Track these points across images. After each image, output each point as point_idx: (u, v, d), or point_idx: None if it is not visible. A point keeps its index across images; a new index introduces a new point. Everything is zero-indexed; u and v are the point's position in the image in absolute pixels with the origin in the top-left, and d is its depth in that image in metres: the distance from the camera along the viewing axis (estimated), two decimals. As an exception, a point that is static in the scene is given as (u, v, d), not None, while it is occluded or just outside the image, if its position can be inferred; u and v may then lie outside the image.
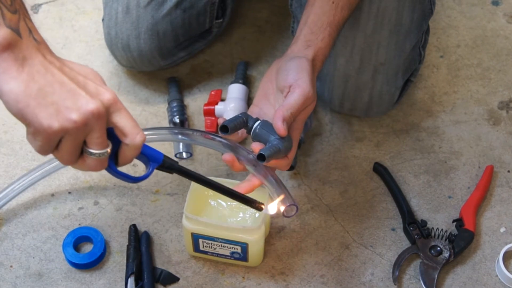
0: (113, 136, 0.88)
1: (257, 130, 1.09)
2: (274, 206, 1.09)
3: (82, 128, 0.84)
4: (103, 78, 0.90)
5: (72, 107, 0.83)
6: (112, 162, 0.91)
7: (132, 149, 0.89)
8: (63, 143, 0.85)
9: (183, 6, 1.39)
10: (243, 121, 1.09)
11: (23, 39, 0.83)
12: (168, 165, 0.96)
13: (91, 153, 0.87)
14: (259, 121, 1.09)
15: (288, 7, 1.39)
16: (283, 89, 1.10)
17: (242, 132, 1.12)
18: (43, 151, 0.86)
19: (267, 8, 1.61)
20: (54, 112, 0.83)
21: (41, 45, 0.85)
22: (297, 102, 1.07)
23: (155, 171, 1.29)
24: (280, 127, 1.05)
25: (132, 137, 0.88)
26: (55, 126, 0.83)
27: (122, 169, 0.93)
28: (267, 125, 1.09)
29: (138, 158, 0.94)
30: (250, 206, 1.06)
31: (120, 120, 0.88)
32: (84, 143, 0.87)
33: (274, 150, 1.06)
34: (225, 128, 1.08)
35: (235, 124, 1.08)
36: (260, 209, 1.07)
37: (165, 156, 0.96)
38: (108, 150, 0.88)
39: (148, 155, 0.95)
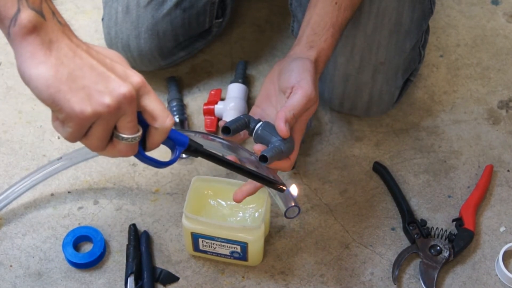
0: (141, 120, 0.87)
1: (259, 132, 1.08)
2: (295, 188, 1.10)
3: (114, 112, 0.81)
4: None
5: (104, 90, 0.81)
6: (141, 147, 0.89)
7: (161, 133, 0.87)
8: (94, 129, 0.82)
9: (183, 6, 1.39)
10: (245, 122, 1.09)
11: (48, 21, 0.81)
12: (193, 149, 0.95)
13: (122, 138, 0.85)
14: (261, 123, 1.09)
15: (287, 6, 1.39)
16: (286, 90, 1.09)
17: (244, 133, 1.11)
18: (72, 137, 0.83)
19: (266, 8, 1.61)
20: (86, 96, 0.80)
21: (65, 27, 0.83)
22: (299, 103, 1.06)
23: (156, 170, 1.29)
24: (283, 128, 1.05)
25: (162, 120, 0.86)
26: (88, 111, 0.80)
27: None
28: (269, 127, 1.08)
29: (164, 142, 0.92)
30: (273, 188, 1.06)
31: (150, 104, 0.85)
32: (115, 128, 0.84)
33: (276, 151, 1.05)
34: (227, 130, 1.07)
35: (237, 126, 1.08)
36: (282, 191, 1.07)
37: (190, 139, 0.95)
38: (139, 134, 0.86)
39: (174, 139, 0.93)
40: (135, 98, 0.83)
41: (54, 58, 0.80)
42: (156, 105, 0.86)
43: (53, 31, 0.81)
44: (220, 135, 1.11)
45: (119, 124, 0.84)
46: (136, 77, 0.84)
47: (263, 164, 1.05)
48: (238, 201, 1.09)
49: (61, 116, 0.81)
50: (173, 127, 0.94)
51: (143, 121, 0.87)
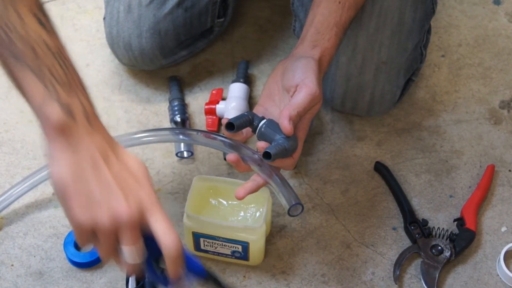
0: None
1: (262, 129, 1.08)
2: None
3: (110, 229, 0.83)
4: (148, 171, 0.87)
5: (106, 206, 0.82)
6: (151, 266, 0.88)
7: (169, 258, 0.85)
8: (98, 237, 0.84)
9: (185, 5, 1.39)
10: (248, 119, 1.08)
11: (77, 122, 0.84)
12: (211, 279, 0.94)
13: (123, 254, 0.85)
14: (265, 120, 1.08)
15: (289, 6, 1.39)
16: (290, 88, 1.10)
17: (246, 131, 1.11)
18: (80, 241, 0.86)
19: (268, 7, 1.60)
20: (87, 207, 0.82)
21: (93, 126, 0.85)
22: (303, 102, 1.06)
23: (159, 168, 1.29)
24: (287, 126, 1.04)
25: (165, 245, 0.84)
26: (84, 222, 0.82)
27: None
28: (273, 124, 1.08)
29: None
30: None
31: (155, 225, 0.84)
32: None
33: (280, 148, 1.05)
34: (230, 126, 1.07)
35: (240, 122, 1.08)
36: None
37: (206, 270, 0.92)
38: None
39: (190, 268, 0.90)
40: (132, 219, 0.83)
41: (70, 158, 0.83)
42: (160, 227, 0.84)
43: (80, 136, 0.84)
44: (223, 132, 1.10)
45: (120, 238, 0.84)
46: (145, 196, 0.84)
47: (266, 161, 1.05)
48: (240, 198, 1.09)
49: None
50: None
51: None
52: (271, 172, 1.08)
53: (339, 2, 1.13)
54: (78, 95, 0.85)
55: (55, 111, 0.82)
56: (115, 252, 0.86)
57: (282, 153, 1.06)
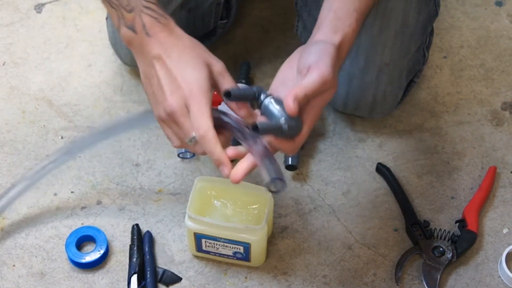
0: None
1: (266, 103, 1.01)
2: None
3: (168, 120, 1.02)
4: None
5: (160, 102, 1.02)
6: None
7: (201, 144, 1.01)
8: (170, 128, 1.04)
9: (188, 7, 1.38)
10: (253, 92, 1.03)
11: (138, 35, 1.04)
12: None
13: (186, 141, 1.02)
14: (271, 96, 1.02)
15: (291, 7, 1.39)
16: (302, 70, 1.03)
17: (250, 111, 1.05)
18: (167, 134, 1.06)
19: (270, 8, 1.60)
20: (153, 102, 1.04)
21: (151, 38, 1.03)
22: (313, 84, 1.00)
23: (161, 169, 1.29)
24: (289, 104, 0.98)
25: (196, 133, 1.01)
26: (155, 116, 1.05)
27: None
28: (279, 102, 1.01)
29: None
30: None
31: (191, 117, 1.00)
32: None
33: (273, 126, 0.99)
34: (227, 94, 1.02)
35: (241, 93, 1.03)
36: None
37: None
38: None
39: None
40: (175, 111, 1.00)
41: (142, 64, 1.05)
42: (191, 117, 1.00)
43: (141, 44, 1.04)
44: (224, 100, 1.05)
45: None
46: (186, 92, 1.00)
47: (254, 133, 0.99)
48: (238, 181, 1.02)
49: None
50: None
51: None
52: (256, 141, 1.01)
53: None
54: (141, 15, 1.04)
55: (123, 32, 1.05)
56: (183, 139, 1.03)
57: (274, 131, 0.99)
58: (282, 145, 1.02)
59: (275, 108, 1.00)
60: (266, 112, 1.01)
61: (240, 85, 1.07)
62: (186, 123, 1.00)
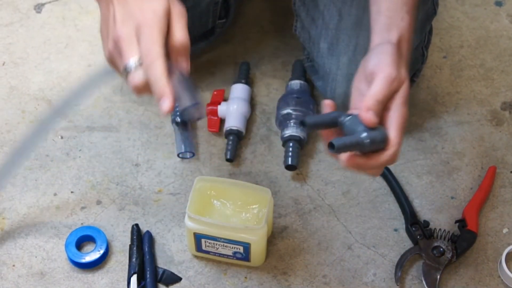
0: None
1: (346, 123, 0.99)
2: None
3: (114, 53, 0.95)
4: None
5: (110, 33, 0.95)
6: None
7: (146, 71, 0.94)
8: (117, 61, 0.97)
9: (186, 6, 1.38)
10: (329, 118, 1.00)
11: None
12: None
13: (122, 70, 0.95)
14: (350, 116, 0.99)
15: (290, 6, 1.39)
16: (368, 78, 1.02)
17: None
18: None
19: (269, 8, 1.60)
20: (103, 41, 0.97)
21: None
22: (381, 88, 0.98)
23: (161, 169, 1.29)
24: (364, 116, 0.96)
25: (141, 58, 0.94)
26: (105, 55, 0.97)
27: None
28: (357, 119, 0.98)
29: None
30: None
31: (140, 42, 0.94)
32: None
33: (350, 140, 0.96)
34: (302, 123, 0.99)
35: (316, 120, 1.00)
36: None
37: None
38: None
39: None
40: (121, 36, 0.93)
41: (102, 9, 0.98)
42: (142, 42, 0.93)
43: None
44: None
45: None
46: (140, 18, 0.94)
47: (331, 151, 0.97)
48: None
49: None
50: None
51: None
52: (173, 71, 0.97)
53: None
54: None
55: None
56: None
57: (352, 146, 0.96)
58: (379, 158, 0.99)
59: (354, 124, 0.97)
60: (348, 132, 0.98)
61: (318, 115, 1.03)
62: (127, 49, 0.93)
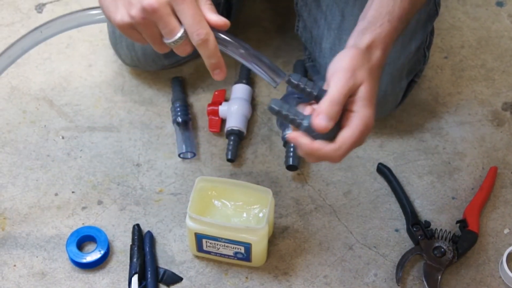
0: None
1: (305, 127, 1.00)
2: None
3: (143, 22, 0.95)
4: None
5: (133, 2, 0.94)
6: None
7: (200, 49, 0.96)
8: (142, 33, 0.97)
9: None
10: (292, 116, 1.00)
11: None
12: None
13: (167, 41, 0.97)
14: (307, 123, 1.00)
15: (291, 7, 1.39)
16: (328, 82, 1.02)
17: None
18: (130, 38, 0.99)
19: (270, 8, 1.61)
20: (120, 7, 0.96)
21: None
22: (332, 91, 0.98)
23: (162, 169, 1.29)
24: (314, 120, 0.97)
25: (191, 37, 0.95)
26: (119, 20, 0.96)
27: None
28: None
29: None
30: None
31: (181, 17, 0.95)
32: None
33: (290, 109, 0.99)
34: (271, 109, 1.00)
35: (280, 110, 0.99)
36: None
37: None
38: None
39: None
40: (157, 9, 0.93)
41: None
42: (186, 19, 0.95)
43: None
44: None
45: (160, 29, 0.96)
46: None
47: (268, 107, 0.99)
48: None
49: None
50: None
51: None
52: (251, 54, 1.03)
53: None
54: None
55: None
56: (160, 41, 0.98)
57: (289, 116, 0.99)
58: (312, 147, 0.99)
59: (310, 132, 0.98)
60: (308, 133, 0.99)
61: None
62: (172, 22, 0.95)
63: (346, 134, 0.99)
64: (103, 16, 1.03)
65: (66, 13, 1.11)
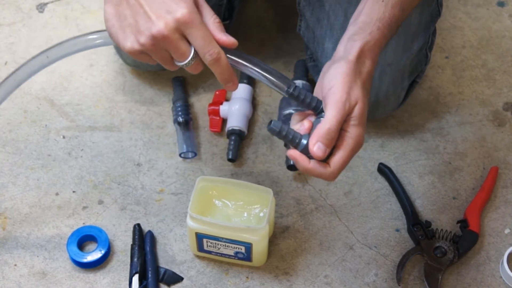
0: None
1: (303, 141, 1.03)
2: None
3: (153, 48, 0.97)
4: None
5: (141, 30, 0.97)
6: None
7: (212, 67, 1.00)
8: (152, 57, 1.00)
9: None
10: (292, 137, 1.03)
11: None
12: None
13: (178, 63, 1.00)
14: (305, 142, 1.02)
15: (293, 7, 1.39)
16: (323, 97, 1.04)
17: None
18: (143, 61, 1.02)
19: (272, 8, 1.61)
20: (129, 34, 0.98)
21: None
22: (331, 116, 1.00)
23: (163, 168, 1.29)
24: (311, 148, 0.99)
25: (203, 57, 0.98)
26: (129, 47, 0.98)
27: None
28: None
29: None
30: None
31: (191, 39, 0.98)
32: None
33: (289, 130, 1.02)
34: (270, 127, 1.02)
35: (280, 131, 1.02)
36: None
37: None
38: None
39: None
40: (167, 36, 0.96)
41: (115, 8, 0.99)
42: (197, 41, 0.98)
43: None
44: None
45: (170, 53, 0.99)
46: (178, 13, 0.96)
47: (267, 127, 1.02)
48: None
49: None
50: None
51: None
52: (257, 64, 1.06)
53: (382, 1, 1.08)
54: None
55: None
56: (171, 63, 1.01)
57: (288, 136, 1.02)
58: (310, 167, 1.02)
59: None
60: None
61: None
62: (182, 46, 0.98)
63: (339, 156, 1.02)
64: (109, 39, 1.04)
65: (72, 37, 1.13)
